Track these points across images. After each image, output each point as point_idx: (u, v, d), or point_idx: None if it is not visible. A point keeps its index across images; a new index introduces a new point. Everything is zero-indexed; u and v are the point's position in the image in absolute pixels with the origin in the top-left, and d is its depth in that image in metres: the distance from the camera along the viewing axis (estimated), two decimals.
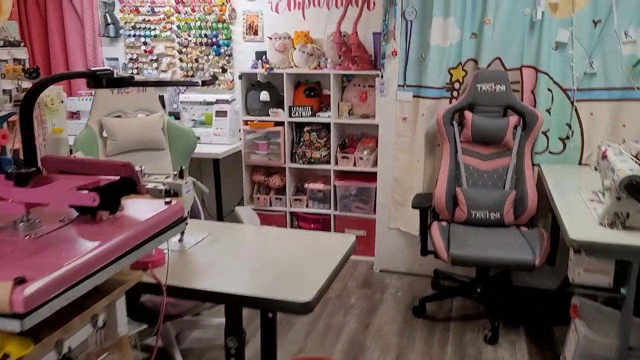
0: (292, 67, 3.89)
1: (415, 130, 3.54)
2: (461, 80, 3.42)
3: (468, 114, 3.26)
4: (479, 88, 3.25)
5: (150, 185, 1.94)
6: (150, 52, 4.32)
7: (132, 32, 4.31)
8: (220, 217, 3.91)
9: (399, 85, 3.51)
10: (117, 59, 4.44)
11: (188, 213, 2.00)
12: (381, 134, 3.62)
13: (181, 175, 1.97)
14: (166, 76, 4.36)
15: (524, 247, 2.87)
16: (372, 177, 3.78)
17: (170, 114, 4.32)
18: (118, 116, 2.81)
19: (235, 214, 2.75)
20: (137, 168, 1.67)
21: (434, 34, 3.35)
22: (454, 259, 2.83)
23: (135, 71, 4.39)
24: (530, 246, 2.86)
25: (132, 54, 4.38)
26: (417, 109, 3.51)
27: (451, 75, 3.42)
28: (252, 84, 3.98)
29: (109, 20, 4.32)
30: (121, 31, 4.34)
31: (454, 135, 3.31)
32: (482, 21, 3.26)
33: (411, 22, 3.40)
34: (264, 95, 3.88)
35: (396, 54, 3.45)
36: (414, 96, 3.51)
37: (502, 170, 3.25)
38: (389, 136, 3.59)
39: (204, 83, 1.90)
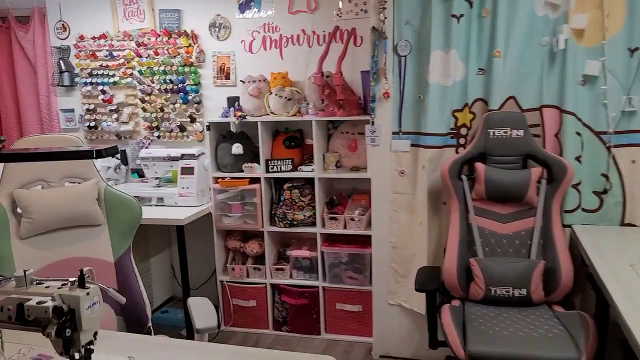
0: (268, 114, 3.33)
1: (415, 185, 2.94)
2: (469, 125, 2.83)
3: (480, 166, 2.66)
4: (491, 134, 2.67)
5: (33, 302, 1.34)
6: (109, 101, 3.77)
7: (89, 80, 3.78)
8: (186, 293, 3.27)
9: (393, 133, 2.93)
10: (72, 110, 3.90)
11: (95, 334, 1.40)
12: (374, 191, 3.02)
13: (81, 282, 1.38)
14: (128, 128, 3.79)
15: (563, 338, 2.21)
16: (366, 240, 3.16)
17: (134, 171, 3.76)
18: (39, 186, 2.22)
19: (188, 308, 2.15)
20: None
21: (433, 70, 2.79)
22: (474, 357, 2.18)
23: (92, 124, 3.84)
24: (572, 336, 2.21)
25: (89, 104, 3.83)
26: (417, 160, 2.91)
27: (456, 119, 2.84)
28: (222, 135, 3.41)
29: (63, 67, 3.80)
30: (77, 79, 3.81)
31: (463, 192, 2.71)
32: (491, 53, 2.70)
33: (405, 57, 2.85)
34: (237, 148, 3.30)
35: (389, 96, 2.88)
36: (412, 145, 2.92)
37: (526, 234, 2.63)
38: (383, 193, 2.99)
39: (98, 154, 1.32)
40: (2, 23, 3.91)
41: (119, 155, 3.83)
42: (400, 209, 2.98)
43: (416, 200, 2.94)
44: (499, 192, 2.64)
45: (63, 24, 3.79)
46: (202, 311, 2.13)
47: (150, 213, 3.23)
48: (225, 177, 3.33)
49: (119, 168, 3.77)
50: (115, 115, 3.79)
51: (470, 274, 2.59)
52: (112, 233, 2.33)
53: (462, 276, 2.61)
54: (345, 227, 3.23)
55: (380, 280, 3.08)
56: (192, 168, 3.37)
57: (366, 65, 3.22)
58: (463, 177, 2.72)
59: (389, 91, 2.88)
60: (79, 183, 2.31)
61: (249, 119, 3.28)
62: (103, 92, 3.77)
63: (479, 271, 2.55)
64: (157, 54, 3.62)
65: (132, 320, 2.28)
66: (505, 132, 2.65)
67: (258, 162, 3.29)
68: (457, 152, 2.86)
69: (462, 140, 2.85)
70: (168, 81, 3.63)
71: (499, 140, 2.66)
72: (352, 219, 3.18)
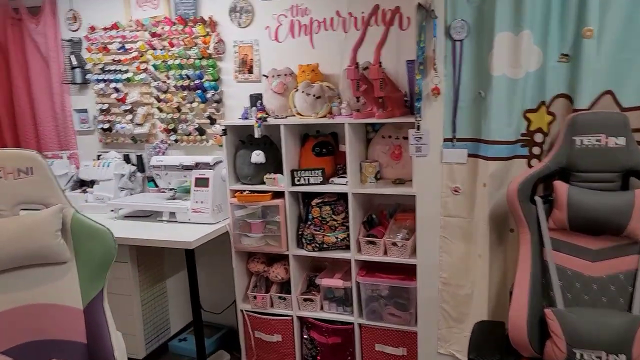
0: (293, 114, 2.77)
1: (473, 207, 2.30)
2: (546, 130, 2.16)
3: (561, 186, 2.00)
4: (578, 142, 1.99)
5: None
6: (123, 100, 3.34)
7: (102, 77, 3.36)
8: (198, 323, 2.79)
9: (445, 140, 2.30)
10: (86, 111, 3.50)
11: None
12: (420, 212, 2.40)
13: None
14: (143, 131, 3.35)
15: None
16: (412, 270, 2.55)
17: (150, 179, 3.31)
18: None
19: None
20: None
21: (498, 58, 2.13)
22: None
23: (106, 125, 3.43)
24: None
25: (102, 103, 3.42)
26: (476, 175, 2.27)
27: (529, 122, 2.17)
28: (241, 140, 2.88)
29: (75, 63, 3.40)
30: (89, 76, 3.41)
31: (537, 219, 2.05)
32: (579, 34, 2.01)
33: (461, 42, 2.20)
34: (257, 156, 2.76)
35: (439, 93, 2.24)
36: (469, 156, 2.28)
37: (626, 278, 1.94)
38: (432, 216, 2.37)
39: None
40: (15, 14, 3.56)
41: (134, 161, 3.41)
42: (453, 237, 2.35)
43: (474, 227, 2.30)
44: (588, 220, 1.96)
45: (74, 14, 3.39)
46: None
47: (158, 231, 2.78)
48: (244, 191, 2.81)
49: (134, 176, 3.34)
50: (129, 116, 3.36)
51: (546, 329, 1.94)
52: (81, 272, 1.88)
53: (534, 331, 1.97)
54: (385, 253, 2.62)
55: (427, 323, 2.46)
56: (207, 179, 2.87)
57: (413, 53, 2.60)
58: (537, 199, 2.06)
59: (440, 86, 2.24)
60: (37, 210, 1.85)
61: (271, 121, 2.73)
62: (116, 90, 3.35)
63: (557, 327, 1.89)
64: (172, 45, 3.14)
65: None
66: (598, 140, 1.97)
67: (282, 172, 2.74)
68: (529, 166, 2.19)
69: (536, 150, 2.18)
70: (184, 76, 3.14)
71: (589, 151, 1.98)
72: (394, 244, 2.58)
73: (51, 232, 1.79)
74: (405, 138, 2.66)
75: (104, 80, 3.36)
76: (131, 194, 3.31)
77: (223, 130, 2.80)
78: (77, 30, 3.41)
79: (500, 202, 2.21)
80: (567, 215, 1.97)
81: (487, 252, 2.24)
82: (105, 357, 1.78)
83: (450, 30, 2.20)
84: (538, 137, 2.16)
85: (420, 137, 2.32)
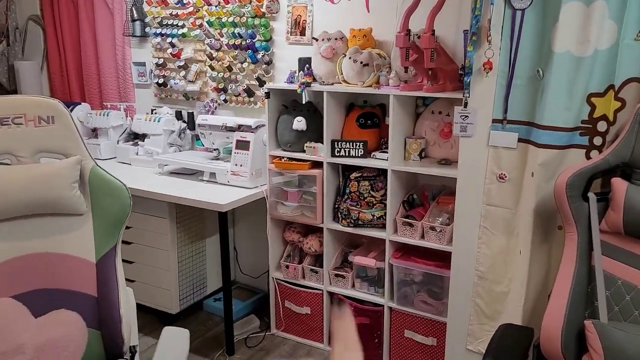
0: (340, 82, 2.62)
1: (519, 198, 2.07)
2: (611, 118, 1.88)
3: (619, 184, 1.74)
4: None
5: None
6: (178, 56, 3.32)
7: (159, 30, 3.35)
8: (227, 287, 2.77)
9: (493, 121, 2.07)
10: (144, 64, 3.53)
11: None
12: (460, 197, 2.21)
13: None
14: (194, 88, 3.33)
15: None
16: (449, 259, 2.37)
17: (198, 138, 3.30)
18: (4, 162, 1.80)
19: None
20: None
21: (563, 32, 1.86)
22: None
23: (161, 80, 3.43)
24: None
25: (158, 58, 3.43)
26: (525, 162, 2.04)
27: (593, 107, 1.90)
28: (284, 105, 2.78)
29: (135, 16, 3.41)
30: (148, 29, 3.41)
31: (587, 219, 1.81)
32: None
33: (522, 12, 1.94)
34: (299, 123, 2.65)
35: (491, 68, 2.01)
36: (519, 140, 2.05)
37: None
38: (472, 202, 2.17)
39: None
40: None
41: (185, 118, 3.41)
42: (494, 228, 2.14)
43: (518, 219, 2.08)
44: None
45: None
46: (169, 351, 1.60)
47: (196, 191, 2.76)
48: (283, 158, 2.72)
49: (183, 133, 3.34)
50: (183, 73, 3.34)
51: (583, 342, 1.73)
52: (97, 226, 1.86)
53: (569, 343, 1.76)
54: (422, 236, 2.46)
55: (458, 316, 2.30)
56: (248, 142, 2.80)
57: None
58: (591, 195, 1.81)
59: (493, 60, 2.01)
60: (60, 159, 1.86)
61: (314, 87, 2.59)
62: (172, 45, 3.33)
63: (597, 342, 1.68)
64: (227, 1, 3.06)
65: (107, 337, 1.81)
66: None
67: (323, 141, 2.61)
68: (587, 157, 1.93)
69: (597, 140, 1.91)
70: (237, 35, 3.06)
71: None
72: (433, 228, 2.40)
73: (68, 183, 1.79)
74: None
75: (162, 35, 3.35)
76: (180, 151, 3.32)
77: (266, 93, 2.71)
78: None
79: (550, 195, 1.97)
80: (623, 218, 1.72)
81: (529, 249, 2.02)
82: (111, 312, 1.78)
83: None
84: (601, 126, 1.89)
85: (467, 116, 2.10)
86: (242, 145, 2.81)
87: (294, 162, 2.68)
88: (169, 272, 2.99)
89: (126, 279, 1.90)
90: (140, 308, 2.07)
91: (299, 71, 2.71)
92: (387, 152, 2.52)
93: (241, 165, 2.81)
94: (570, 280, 1.80)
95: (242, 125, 2.85)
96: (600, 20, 1.81)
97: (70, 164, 1.82)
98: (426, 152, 2.55)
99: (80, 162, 1.84)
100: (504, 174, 2.08)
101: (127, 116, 3.53)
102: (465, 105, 2.09)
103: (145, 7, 3.40)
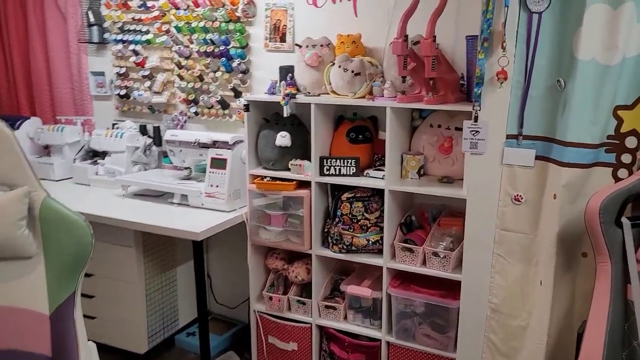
0: (327, 92, 2.37)
1: (538, 222, 1.86)
2: None
3: None
4: None
5: None
6: (142, 64, 3.00)
7: (120, 37, 3.03)
8: (204, 318, 2.47)
9: (508, 137, 1.86)
10: (103, 74, 3.19)
11: None
12: (470, 221, 1.99)
13: None
14: (161, 100, 3.01)
15: None
16: (455, 287, 2.15)
17: (165, 155, 2.98)
18: None
19: None
20: None
21: (587, 38, 1.67)
22: None
23: (123, 92, 3.10)
24: None
25: (120, 66, 3.10)
26: (544, 183, 1.83)
27: (620, 121, 1.71)
28: (265, 118, 2.50)
29: (92, 20, 3.08)
30: (106, 35, 3.08)
31: (622, 247, 1.61)
32: None
33: (539, 15, 1.74)
34: (282, 139, 2.38)
35: (506, 78, 1.80)
36: (537, 158, 1.84)
37: None
38: (484, 227, 1.95)
39: None
40: None
41: (151, 133, 3.09)
42: (509, 255, 1.93)
43: (537, 246, 1.87)
44: None
45: None
46: None
47: (166, 216, 2.46)
48: (265, 177, 2.44)
49: (149, 149, 3.02)
50: (148, 83, 3.02)
51: None
52: (50, 271, 1.55)
53: None
54: (424, 263, 2.22)
55: (468, 353, 2.07)
56: (225, 161, 2.51)
57: (475, 27, 2.14)
58: (625, 221, 1.61)
59: (507, 69, 1.79)
60: (2, 192, 1.53)
61: (300, 98, 2.33)
62: (135, 52, 3.01)
63: None
64: (197, 4, 2.77)
65: None
66: None
67: (311, 159, 2.35)
68: (614, 177, 1.73)
69: (626, 158, 1.72)
70: (209, 41, 2.77)
71: None
72: (436, 254, 2.17)
73: (13, 221, 1.48)
74: (459, 129, 2.23)
75: (123, 41, 3.03)
76: (145, 169, 3.00)
77: (245, 105, 2.43)
78: None
79: (573, 219, 1.77)
80: None
81: (552, 279, 1.81)
82: None
83: None
84: (631, 142, 1.70)
85: (478, 131, 1.88)
86: (218, 163, 2.52)
87: (278, 182, 2.41)
88: (135, 306, 2.67)
89: (86, 316, 1.61)
90: (103, 348, 1.77)
91: (281, 81, 2.44)
92: (382, 170, 2.28)
93: (217, 186, 2.51)
94: (605, 318, 1.60)
95: (218, 141, 2.56)
96: (629, 24, 1.63)
97: (17, 198, 1.50)
98: (425, 169, 2.32)
99: (29, 195, 1.53)
100: (520, 196, 1.87)
101: (84, 131, 3.17)
102: (476, 119, 1.87)
103: (104, 11, 3.08)
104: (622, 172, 1.72)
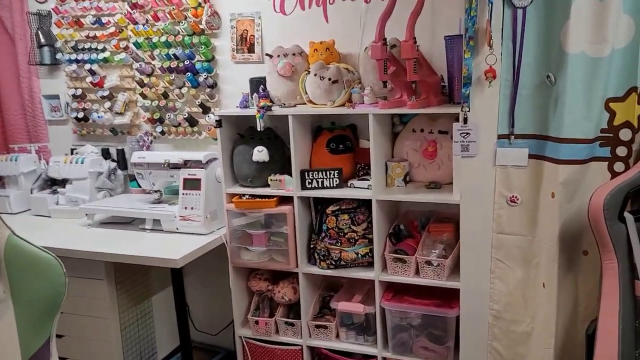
0: (304, 103, 2.27)
1: (536, 223, 1.81)
2: (636, 125, 1.67)
3: None
4: None
5: None
6: (100, 84, 2.83)
7: (74, 56, 2.85)
8: (186, 348, 2.31)
9: (499, 137, 1.81)
10: (57, 97, 2.99)
11: None
12: (465, 227, 1.92)
13: None
14: (124, 121, 2.84)
15: None
16: (451, 295, 2.08)
17: (132, 178, 2.81)
18: None
19: None
20: None
21: (575, 31, 1.63)
22: None
23: (81, 114, 2.91)
24: None
25: (75, 88, 2.91)
26: (540, 182, 1.79)
27: (612, 114, 1.67)
28: (240, 134, 2.38)
29: (43, 41, 2.88)
30: (59, 55, 2.89)
31: (626, 243, 1.56)
32: None
33: (524, 10, 1.70)
34: (259, 154, 2.27)
35: (494, 76, 1.74)
36: (531, 157, 1.79)
37: None
38: (480, 231, 1.89)
39: None
40: None
41: (115, 157, 2.91)
42: (508, 259, 1.87)
43: (537, 247, 1.82)
44: None
45: None
46: None
47: (139, 244, 2.30)
48: (244, 195, 2.32)
49: (114, 174, 2.83)
50: (108, 104, 2.85)
51: None
52: (20, 317, 1.37)
53: None
54: (417, 273, 2.14)
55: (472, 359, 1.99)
56: (199, 181, 2.37)
57: (452, 27, 2.10)
58: (627, 216, 1.57)
59: (495, 67, 1.74)
60: None
61: (276, 110, 2.23)
62: (92, 72, 2.83)
63: None
64: (156, 18, 2.63)
65: None
66: None
67: (291, 172, 2.24)
68: (610, 171, 1.70)
69: (621, 151, 1.69)
70: (172, 56, 2.63)
71: None
72: (429, 263, 2.09)
73: None
74: (442, 132, 2.18)
75: (77, 61, 2.85)
76: (111, 195, 2.81)
77: (217, 121, 2.30)
78: (45, 1, 2.89)
79: (572, 217, 1.73)
80: None
81: (555, 280, 1.76)
82: None
83: None
84: (625, 134, 1.67)
85: (468, 133, 1.82)
86: (192, 184, 2.38)
87: (258, 199, 2.29)
88: (110, 343, 2.47)
89: None
90: None
91: (253, 93, 2.33)
92: (366, 180, 2.20)
93: (192, 208, 2.37)
94: (616, 316, 1.55)
95: (190, 160, 2.43)
96: (616, 15, 1.60)
97: None
98: (411, 175, 2.25)
99: None
100: (516, 197, 1.81)
101: (40, 159, 2.96)
102: (465, 120, 1.81)
103: (55, 30, 2.89)
104: (619, 166, 1.69)
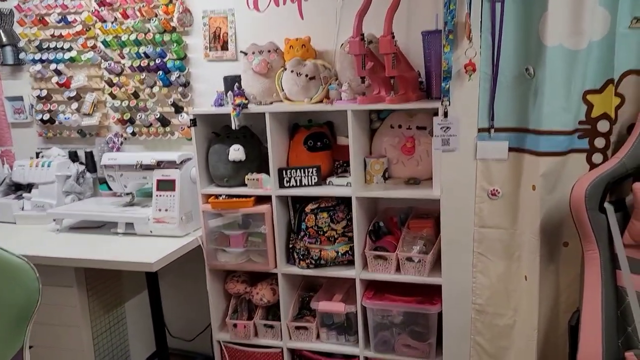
0: (281, 100, 2.24)
1: (516, 216, 1.82)
2: (613, 116, 1.69)
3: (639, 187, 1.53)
4: None
5: None
6: (67, 85, 2.73)
7: (39, 56, 2.74)
8: (163, 354, 2.24)
9: (479, 130, 1.81)
10: (21, 99, 2.87)
11: None
12: (446, 222, 1.91)
13: None
14: (92, 122, 2.75)
15: None
16: (432, 291, 2.08)
17: (102, 181, 2.72)
18: None
19: None
20: None
21: (553, 24, 1.65)
22: None
23: (46, 116, 2.80)
24: None
25: (40, 89, 2.80)
26: (520, 174, 1.79)
27: (590, 105, 1.69)
28: (215, 132, 2.33)
29: (4, 40, 2.77)
30: (22, 55, 2.78)
31: (607, 234, 1.58)
32: None
33: (502, 3, 1.70)
34: (236, 152, 2.22)
35: (474, 70, 1.74)
36: (511, 150, 1.80)
37: None
38: (462, 226, 1.88)
39: None
40: None
41: (83, 159, 2.82)
42: (490, 253, 1.87)
43: (518, 240, 1.83)
44: None
45: None
46: None
47: (112, 248, 2.22)
48: (220, 195, 2.26)
49: (82, 177, 2.74)
50: (75, 105, 2.75)
51: None
52: None
53: None
54: (398, 269, 2.13)
55: (455, 358, 1.98)
56: (173, 182, 2.31)
57: (428, 22, 2.11)
58: (608, 206, 1.59)
59: (475, 61, 1.74)
60: None
61: (252, 108, 2.18)
62: (57, 72, 2.73)
63: None
64: (126, 16, 2.55)
65: None
66: None
67: (268, 171, 2.20)
68: (589, 162, 1.72)
69: (599, 142, 1.71)
70: (142, 55, 2.56)
71: None
72: (410, 259, 2.08)
73: None
74: (420, 128, 2.17)
75: (42, 61, 2.74)
76: (79, 199, 2.71)
77: (192, 120, 2.24)
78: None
79: (553, 209, 1.74)
80: None
81: (537, 272, 1.77)
82: None
83: None
84: (603, 126, 1.69)
85: (449, 127, 1.82)
86: (166, 185, 2.31)
87: (235, 199, 2.24)
88: (81, 352, 2.37)
89: None
90: None
91: (227, 92, 2.28)
92: (344, 177, 2.17)
93: (166, 210, 2.30)
94: (599, 307, 1.56)
95: (163, 161, 2.36)
96: (592, 8, 1.62)
97: None
98: (389, 172, 2.23)
99: None
100: (497, 190, 1.82)
101: (3, 164, 2.84)
102: (446, 115, 1.80)
103: (17, 29, 2.78)
104: (597, 157, 1.70)
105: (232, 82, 2.30)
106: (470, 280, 1.90)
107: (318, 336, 2.32)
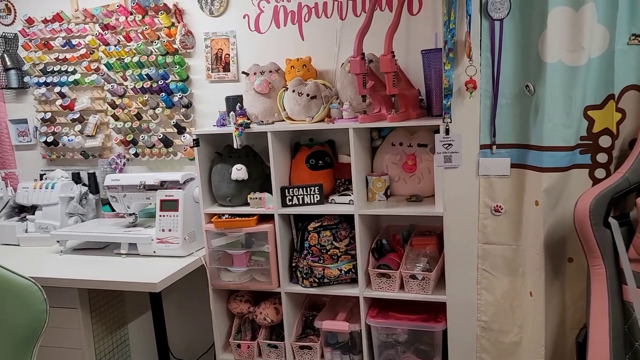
0: (283, 119, 2.25)
1: (520, 231, 1.82)
2: (615, 131, 1.70)
3: None
4: None
5: None
6: (70, 107, 2.75)
7: (43, 79, 2.77)
8: None
9: (482, 147, 1.81)
10: (25, 121, 2.90)
11: None
12: (450, 239, 1.91)
13: None
14: (95, 144, 2.77)
15: None
16: (437, 309, 2.06)
17: (105, 202, 2.72)
18: None
19: None
20: None
21: (552, 41, 1.66)
22: None
23: (50, 138, 2.82)
24: None
25: (44, 112, 2.82)
26: (522, 190, 1.80)
27: (591, 121, 1.70)
28: (218, 152, 2.34)
29: (9, 64, 2.80)
30: (27, 79, 2.81)
31: (612, 248, 1.58)
32: None
33: (501, 22, 1.72)
34: (238, 172, 2.23)
35: (475, 87, 1.76)
36: (513, 166, 1.80)
37: None
38: (465, 243, 1.88)
39: None
40: None
41: (86, 181, 2.83)
42: (494, 269, 1.86)
43: (522, 256, 1.82)
44: None
45: (6, 4, 2.80)
46: None
47: (115, 269, 2.22)
48: (223, 215, 2.27)
49: (85, 199, 2.75)
50: (78, 127, 2.77)
51: None
52: None
53: None
54: (402, 287, 2.12)
55: None
56: (176, 202, 2.31)
57: (427, 41, 2.13)
58: (612, 221, 1.59)
59: (475, 78, 1.76)
60: None
61: (254, 128, 2.20)
62: (61, 95, 2.76)
63: None
64: (129, 39, 2.59)
65: None
66: None
67: (270, 190, 2.21)
68: (592, 177, 1.72)
69: (601, 157, 1.71)
70: (145, 77, 2.59)
71: None
72: (414, 277, 2.07)
73: None
74: (421, 145, 2.18)
75: (46, 84, 2.77)
76: (82, 221, 2.72)
77: (194, 140, 2.26)
78: (11, 24, 2.82)
79: (556, 224, 1.74)
80: None
81: (542, 288, 1.76)
82: None
83: (488, 6, 1.72)
84: (605, 141, 1.69)
85: (450, 144, 1.82)
86: (169, 205, 2.32)
87: (237, 218, 2.24)
88: None
89: None
90: None
91: (229, 112, 2.30)
92: (347, 195, 2.18)
93: (170, 230, 2.30)
94: (607, 322, 1.55)
95: (166, 181, 2.37)
96: (591, 25, 1.63)
97: None
98: (391, 189, 2.24)
99: None
100: (500, 206, 1.82)
101: (7, 186, 2.85)
102: (447, 132, 1.81)
103: (22, 53, 2.81)
104: (600, 172, 1.71)
105: (234, 102, 2.32)
106: (475, 297, 1.89)
107: (322, 356, 2.30)
